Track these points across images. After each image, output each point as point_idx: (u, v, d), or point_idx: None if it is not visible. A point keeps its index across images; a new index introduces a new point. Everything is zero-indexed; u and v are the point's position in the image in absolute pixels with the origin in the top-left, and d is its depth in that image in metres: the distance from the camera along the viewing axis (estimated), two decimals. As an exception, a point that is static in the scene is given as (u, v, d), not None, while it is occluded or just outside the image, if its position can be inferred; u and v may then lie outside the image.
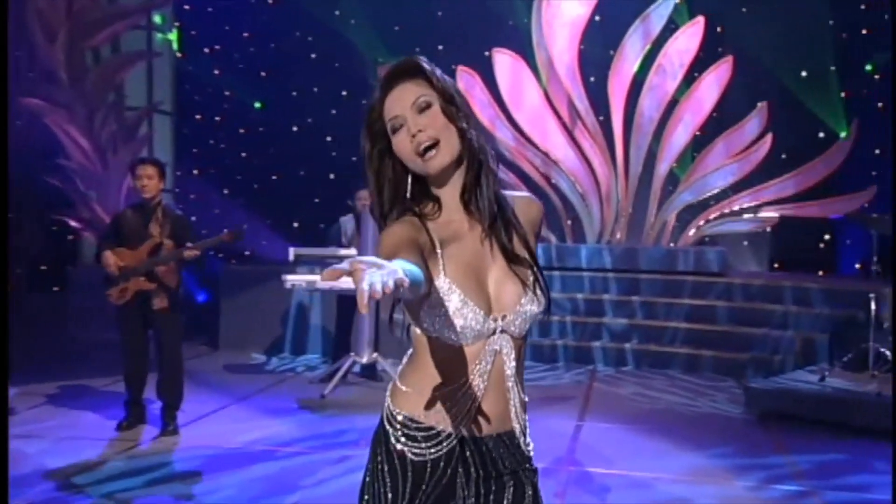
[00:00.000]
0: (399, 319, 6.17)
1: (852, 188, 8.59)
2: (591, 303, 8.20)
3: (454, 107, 1.58)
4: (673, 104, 8.99)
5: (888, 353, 5.81)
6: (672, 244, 9.06)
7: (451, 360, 1.56)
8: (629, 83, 9.07)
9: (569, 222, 9.33)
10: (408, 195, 1.61)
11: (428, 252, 1.52)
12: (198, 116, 11.02)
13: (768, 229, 9.17)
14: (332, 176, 10.21)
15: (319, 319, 8.02)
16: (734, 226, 9.01)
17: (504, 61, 9.27)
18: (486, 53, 9.35)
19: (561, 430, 5.36)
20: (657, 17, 8.99)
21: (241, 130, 10.96)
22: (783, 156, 9.03)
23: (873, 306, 5.85)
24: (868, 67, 9.63)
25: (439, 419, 1.58)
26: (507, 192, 1.68)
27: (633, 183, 9.17)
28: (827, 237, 9.50)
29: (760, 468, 4.68)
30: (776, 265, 9.73)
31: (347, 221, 6.96)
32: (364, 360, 6.48)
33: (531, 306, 1.58)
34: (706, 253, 8.45)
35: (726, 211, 9.03)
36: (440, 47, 9.96)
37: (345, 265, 1.19)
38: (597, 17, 9.18)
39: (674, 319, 7.89)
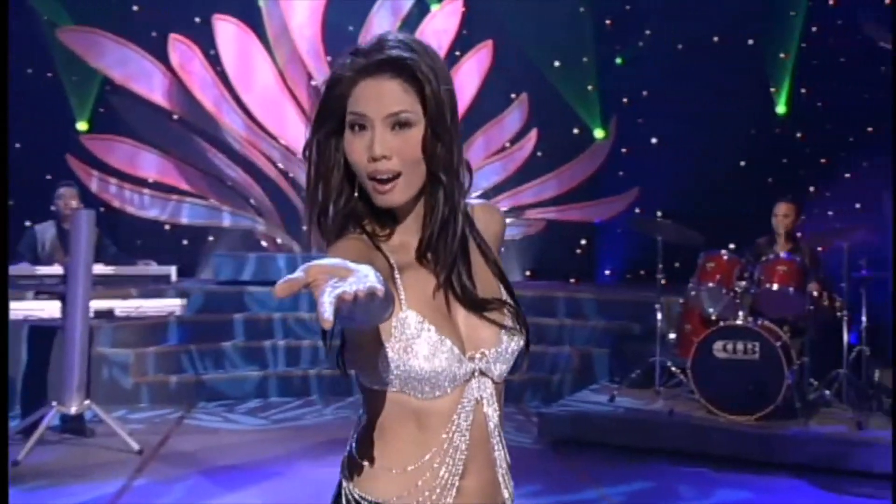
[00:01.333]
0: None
1: (615, 190, 9.38)
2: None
3: (439, 141, 1.43)
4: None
5: (674, 367, 6.38)
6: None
7: (422, 418, 1.44)
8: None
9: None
10: (354, 195, 1.47)
11: (385, 278, 1.34)
12: None
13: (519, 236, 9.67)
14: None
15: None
16: (499, 231, 9.40)
17: (228, 31, 8.88)
18: (197, 20, 8.89)
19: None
20: (405, -9, 9.13)
21: None
22: (538, 153, 9.59)
23: (659, 317, 6.38)
24: (618, 61, 10.58)
25: (420, 502, 1.44)
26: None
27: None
28: (583, 242, 10.27)
29: (576, 505, 4.89)
30: (528, 273, 10.32)
31: (45, 229, 6.15)
32: (73, 409, 5.76)
33: (512, 343, 1.50)
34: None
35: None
36: (135, 7, 9.29)
37: (300, 273, 1.09)
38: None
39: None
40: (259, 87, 8.91)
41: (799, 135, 9.93)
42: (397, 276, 1.44)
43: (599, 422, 6.09)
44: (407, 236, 1.50)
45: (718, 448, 5.66)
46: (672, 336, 6.56)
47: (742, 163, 9.91)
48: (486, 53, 9.23)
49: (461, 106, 8.74)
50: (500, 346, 1.49)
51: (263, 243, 9.41)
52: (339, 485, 1.51)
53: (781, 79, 9.99)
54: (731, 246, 6.68)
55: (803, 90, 9.89)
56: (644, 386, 6.53)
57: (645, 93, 10.28)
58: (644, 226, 6.73)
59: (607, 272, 10.27)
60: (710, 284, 6.08)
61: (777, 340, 5.76)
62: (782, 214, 6.41)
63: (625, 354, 7.16)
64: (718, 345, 5.85)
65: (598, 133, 10.25)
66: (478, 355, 1.47)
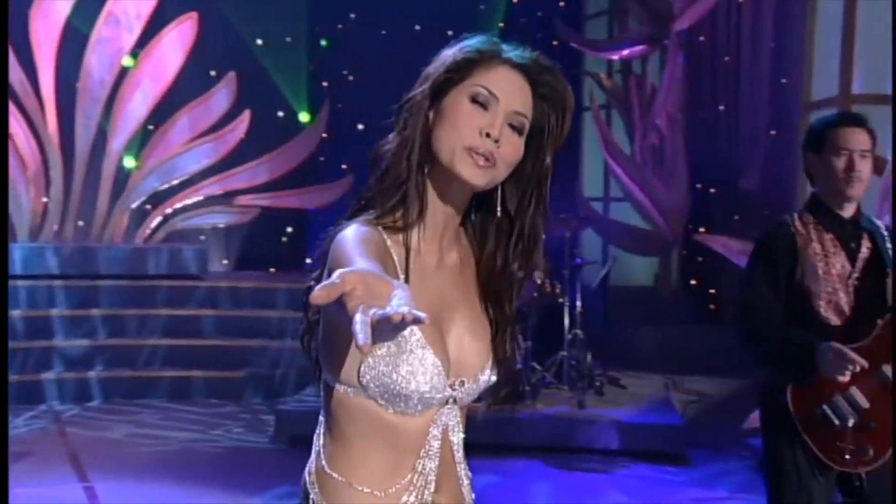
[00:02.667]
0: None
1: (330, 177, 9.38)
2: (32, 321, 7.44)
3: (534, 171, 1.51)
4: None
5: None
6: (141, 241, 8.67)
7: (392, 437, 1.44)
8: (60, 30, 8.30)
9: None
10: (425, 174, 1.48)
11: None
12: None
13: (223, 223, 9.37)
14: None
15: None
16: (210, 218, 9.04)
17: None
18: None
19: (67, 499, 4.88)
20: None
21: None
22: (243, 136, 9.31)
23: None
24: (324, 43, 10.57)
25: None
26: None
27: (81, 163, 8.48)
28: (290, 230, 10.15)
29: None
30: (225, 261, 10.02)
31: None
32: None
33: (490, 376, 1.54)
34: (183, 251, 8.33)
35: (190, 201, 8.98)
36: None
37: (336, 279, 1.11)
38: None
39: (149, 335, 7.62)
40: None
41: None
42: (401, 279, 1.43)
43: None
44: (431, 241, 1.49)
45: (514, 438, 5.83)
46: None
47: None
48: (189, 27, 8.77)
49: (162, 83, 8.28)
50: (481, 377, 1.52)
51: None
52: (306, 496, 1.48)
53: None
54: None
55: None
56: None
57: (351, 77, 10.37)
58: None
59: (309, 261, 10.22)
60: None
61: (508, 327, 6.11)
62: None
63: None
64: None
65: (304, 117, 10.18)
66: (458, 383, 1.48)
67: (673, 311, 8.56)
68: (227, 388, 7.31)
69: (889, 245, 2.91)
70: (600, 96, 8.98)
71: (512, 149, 1.45)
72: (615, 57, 8.90)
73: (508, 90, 1.45)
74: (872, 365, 2.74)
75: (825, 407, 2.78)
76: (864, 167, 2.83)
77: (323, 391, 1.49)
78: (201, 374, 7.37)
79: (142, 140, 8.91)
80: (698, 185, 8.86)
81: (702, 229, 8.52)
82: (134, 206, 8.77)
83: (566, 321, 6.45)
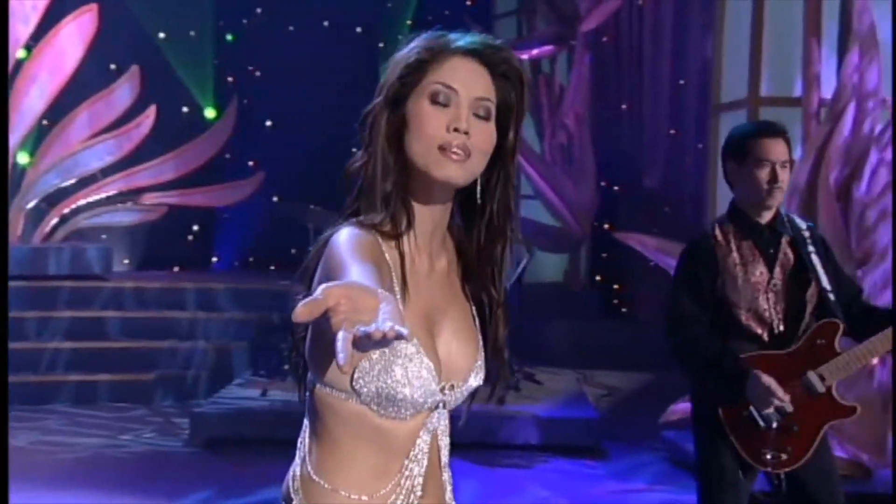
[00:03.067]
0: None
1: (240, 174, 9.22)
2: (-76, 325, 7.00)
3: (509, 150, 1.49)
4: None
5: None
6: (38, 241, 8.33)
7: (382, 441, 1.43)
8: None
9: None
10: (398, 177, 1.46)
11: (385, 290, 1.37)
12: None
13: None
14: None
15: None
16: (114, 217, 8.76)
17: None
18: None
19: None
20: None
21: None
22: (148, 132, 9.06)
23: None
24: (229, 37, 10.37)
25: None
26: None
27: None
28: (196, 228, 9.93)
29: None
30: (126, 261, 9.75)
31: None
32: None
33: (477, 380, 1.53)
34: (86, 251, 8.05)
35: (93, 199, 8.68)
36: None
37: (320, 295, 1.09)
38: None
39: (52, 338, 7.35)
40: None
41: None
42: (397, 288, 1.42)
43: (258, 417, 6.00)
44: (421, 243, 1.48)
45: None
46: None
47: (353, 150, 10.25)
48: (89, 19, 8.46)
49: (60, 76, 7.99)
50: (469, 381, 1.51)
51: None
52: (289, 502, 1.47)
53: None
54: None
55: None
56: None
57: (258, 73, 10.21)
58: (300, 214, 6.62)
59: (215, 259, 10.05)
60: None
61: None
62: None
63: (270, 347, 7.10)
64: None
65: (210, 112, 9.97)
66: (448, 387, 1.47)
67: (582, 307, 8.74)
68: (136, 392, 7.11)
69: (812, 248, 2.99)
70: (510, 95, 9.08)
71: (483, 136, 1.44)
72: (524, 56, 8.98)
73: (466, 79, 1.43)
74: (798, 370, 2.86)
75: (752, 409, 2.86)
76: (784, 177, 2.92)
77: (309, 396, 1.47)
78: (108, 377, 7.14)
79: (38, 136, 8.57)
80: (603, 184, 9.06)
81: (606, 226, 8.73)
82: (30, 205, 8.42)
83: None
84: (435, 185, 1.44)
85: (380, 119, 1.45)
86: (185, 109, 9.86)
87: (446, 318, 1.49)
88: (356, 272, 1.25)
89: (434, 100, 1.42)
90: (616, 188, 9.33)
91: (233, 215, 9.60)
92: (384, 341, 1.05)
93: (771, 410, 2.82)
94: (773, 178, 2.89)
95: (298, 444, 1.51)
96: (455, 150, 1.40)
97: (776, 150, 2.92)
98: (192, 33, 10.00)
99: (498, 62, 1.46)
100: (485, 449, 5.84)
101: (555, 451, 5.81)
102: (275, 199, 9.61)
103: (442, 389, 1.45)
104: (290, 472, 1.50)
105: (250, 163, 9.77)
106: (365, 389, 1.37)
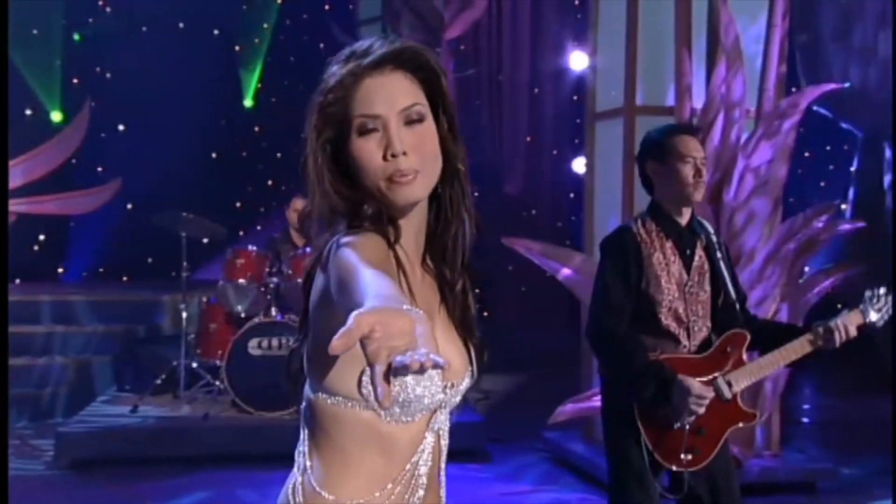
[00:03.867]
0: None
1: (86, 180, 8.79)
2: None
3: (452, 135, 1.47)
4: None
5: (200, 370, 6.26)
6: None
7: (387, 446, 1.43)
8: None
9: None
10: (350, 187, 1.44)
11: None
12: None
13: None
14: None
15: None
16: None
17: None
18: None
19: None
20: None
21: None
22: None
23: (185, 316, 6.23)
24: (76, 37, 9.88)
25: None
26: None
27: None
28: (42, 238, 9.38)
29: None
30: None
31: None
32: None
33: (472, 376, 1.54)
34: (-75, 263, 7.41)
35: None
36: None
37: (352, 323, 1.06)
38: None
39: None
40: None
41: (257, 129, 10.34)
42: (405, 289, 1.41)
43: (129, 435, 5.73)
44: (409, 250, 1.47)
45: (263, 446, 5.69)
46: (191, 337, 6.40)
47: (214, 155, 10.01)
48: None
49: None
50: (467, 379, 1.52)
51: None
52: None
53: (250, 72, 10.29)
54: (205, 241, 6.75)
55: (265, 84, 10.30)
56: (166, 392, 6.28)
57: (108, 75, 9.78)
58: (174, 223, 6.34)
59: (61, 270, 9.54)
60: (241, 281, 6.10)
61: (308, 334, 6.02)
62: (302, 208, 6.66)
63: (137, 360, 6.80)
64: (254, 342, 5.90)
65: (56, 116, 9.47)
66: (448, 386, 1.47)
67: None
68: (-13, 414, 6.63)
69: (720, 255, 3.10)
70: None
71: (424, 140, 1.42)
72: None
73: (384, 98, 1.41)
74: (709, 374, 2.98)
75: (673, 411, 2.92)
76: (704, 172, 3.06)
77: (308, 407, 1.44)
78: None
79: None
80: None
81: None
82: None
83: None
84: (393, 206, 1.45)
85: (320, 171, 1.43)
86: (28, 112, 9.31)
87: (438, 319, 1.50)
88: (370, 278, 1.22)
89: (362, 132, 1.41)
90: (476, 194, 9.45)
91: (82, 224, 9.13)
92: (421, 370, 1.04)
93: (693, 417, 2.92)
94: (697, 173, 2.99)
95: (296, 455, 1.47)
96: (401, 175, 1.40)
97: (695, 146, 3.05)
98: (34, 32, 9.46)
99: (406, 60, 1.43)
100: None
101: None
102: (129, 206, 9.23)
103: (444, 389, 1.45)
104: (290, 484, 1.47)
105: (99, 168, 9.35)
106: (365, 392, 1.33)
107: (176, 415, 6.00)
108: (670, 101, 5.35)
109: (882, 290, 3.03)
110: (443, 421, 1.50)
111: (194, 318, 6.46)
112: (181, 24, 9.94)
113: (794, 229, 5.33)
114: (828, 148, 7.92)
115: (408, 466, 1.44)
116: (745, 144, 5.25)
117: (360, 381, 1.33)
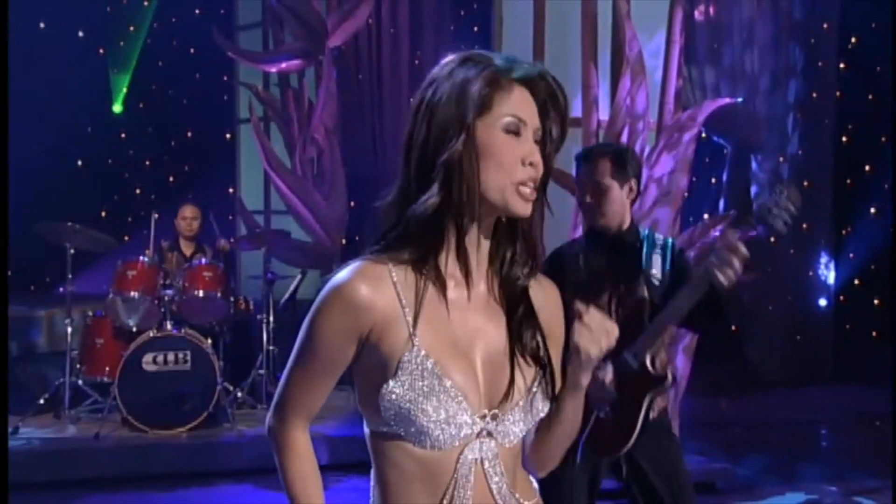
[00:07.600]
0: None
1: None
2: None
3: (549, 172, 1.51)
4: None
5: (86, 388, 5.94)
6: None
7: (426, 474, 1.45)
8: None
9: None
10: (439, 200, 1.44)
11: (385, 321, 1.42)
12: None
13: None
14: None
15: None
16: None
17: None
18: None
19: None
20: None
21: None
22: None
23: (69, 332, 5.93)
24: None
25: None
26: None
27: None
28: None
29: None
30: None
31: None
32: None
33: (539, 403, 1.52)
34: None
35: None
36: None
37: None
38: None
39: None
40: None
41: (123, 135, 9.93)
42: (406, 310, 1.42)
43: (12, 459, 5.33)
44: (464, 269, 1.47)
45: (157, 466, 5.50)
46: (74, 353, 6.05)
47: (79, 162, 9.54)
48: None
49: None
50: (521, 406, 1.49)
51: None
52: None
53: (119, 76, 9.85)
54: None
55: (132, 88, 9.89)
56: (48, 412, 5.92)
57: (-39, 75, 9.14)
58: (52, 233, 5.96)
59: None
60: (133, 293, 5.81)
61: (206, 347, 5.81)
62: (191, 217, 6.45)
63: (13, 379, 6.35)
64: (148, 357, 5.65)
65: None
66: (490, 414, 1.46)
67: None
68: None
69: (659, 274, 3.15)
70: (258, 108, 8.84)
71: (543, 167, 1.48)
72: (273, 69, 8.81)
73: (529, 111, 1.46)
74: (615, 353, 2.93)
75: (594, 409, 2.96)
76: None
77: (370, 440, 1.50)
78: None
79: None
80: (352, 203, 9.07)
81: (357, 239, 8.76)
82: None
83: (264, 337, 6.27)
84: (490, 217, 1.47)
85: (468, 160, 1.43)
86: None
87: (491, 344, 1.49)
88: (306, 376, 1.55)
89: (509, 130, 1.43)
90: (352, 204, 9.39)
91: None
92: None
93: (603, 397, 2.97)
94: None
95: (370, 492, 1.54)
96: (530, 185, 1.44)
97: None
98: None
99: (542, 91, 1.47)
100: (271, 473, 5.61)
101: (347, 469, 5.73)
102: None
103: (483, 417, 1.44)
104: None
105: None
106: (391, 412, 1.41)
107: (62, 436, 5.67)
108: (577, 112, 5.47)
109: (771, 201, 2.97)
110: (486, 451, 1.46)
111: (77, 333, 6.11)
112: (42, 24, 9.43)
113: (693, 238, 5.55)
114: (707, 160, 8.33)
115: (445, 497, 1.45)
116: (648, 156, 5.43)
117: (382, 403, 1.41)
